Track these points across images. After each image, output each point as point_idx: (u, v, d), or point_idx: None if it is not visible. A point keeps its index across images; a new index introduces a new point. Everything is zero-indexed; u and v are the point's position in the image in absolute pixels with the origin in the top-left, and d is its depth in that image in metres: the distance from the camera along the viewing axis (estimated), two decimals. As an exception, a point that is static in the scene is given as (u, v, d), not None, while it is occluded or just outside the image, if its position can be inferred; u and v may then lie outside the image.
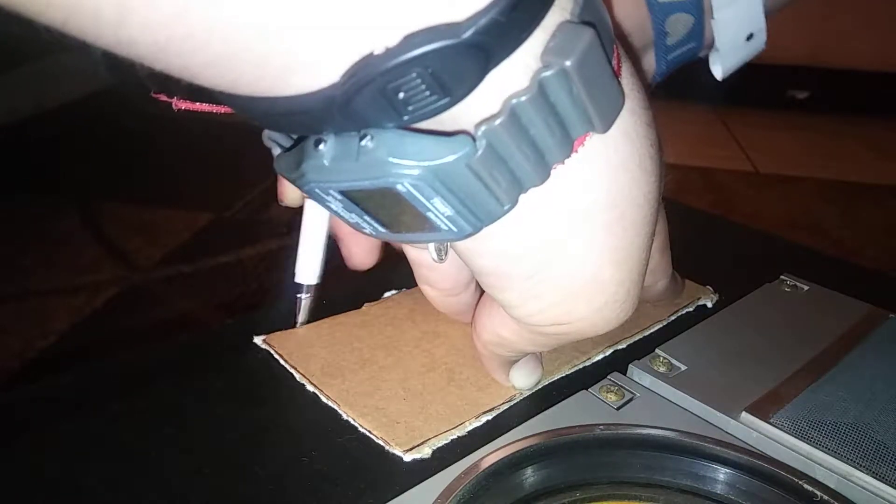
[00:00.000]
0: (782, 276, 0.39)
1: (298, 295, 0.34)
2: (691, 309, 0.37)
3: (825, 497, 0.24)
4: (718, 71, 0.28)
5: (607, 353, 0.34)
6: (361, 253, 0.32)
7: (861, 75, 2.02)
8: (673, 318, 0.36)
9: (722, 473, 0.26)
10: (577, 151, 0.20)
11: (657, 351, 0.32)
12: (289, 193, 0.33)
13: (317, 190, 0.20)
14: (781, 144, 1.99)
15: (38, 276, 1.36)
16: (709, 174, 1.78)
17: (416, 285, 0.31)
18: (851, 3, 1.95)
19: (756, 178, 1.80)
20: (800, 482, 0.25)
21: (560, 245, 0.21)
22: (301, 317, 0.34)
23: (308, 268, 0.34)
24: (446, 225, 0.20)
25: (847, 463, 0.25)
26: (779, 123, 2.09)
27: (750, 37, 0.28)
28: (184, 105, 0.25)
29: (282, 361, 0.33)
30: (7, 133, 1.62)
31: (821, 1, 1.94)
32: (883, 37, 1.94)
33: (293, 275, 0.34)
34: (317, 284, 0.34)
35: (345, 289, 0.38)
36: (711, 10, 0.27)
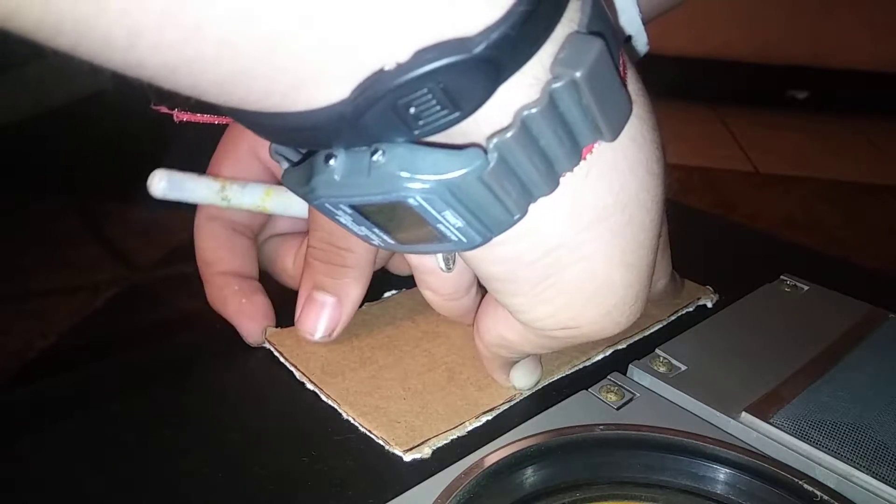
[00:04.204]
0: (782, 276, 0.39)
1: None
2: (691, 309, 0.37)
3: (825, 497, 0.24)
4: None
5: (607, 353, 0.34)
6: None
7: (861, 75, 2.02)
8: (673, 318, 0.36)
9: (722, 473, 0.26)
10: (585, 159, 0.20)
11: (657, 351, 0.32)
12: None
13: (327, 205, 0.20)
14: (781, 144, 1.99)
15: (38, 276, 1.36)
16: (709, 174, 1.79)
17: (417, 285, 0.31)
18: (851, 2, 1.95)
19: (756, 178, 1.81)
20: (800, 482, 0.25)
21: (570, 251, 0.21)
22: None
23: None
24: (456, 236, 0.20)
25: (847, 463, 0.25)
26: (779, 123, 2.09)
27: (628, 39, 0.28)
28: (185, 117, 0.25)
29: (282, 359, 0.33)
30: (7, 133, 1.62)
31: (820, 1, 1.94)
32: (883, 37, 1.94)
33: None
34: None
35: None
36: None
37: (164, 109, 0.24)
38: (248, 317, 0.34)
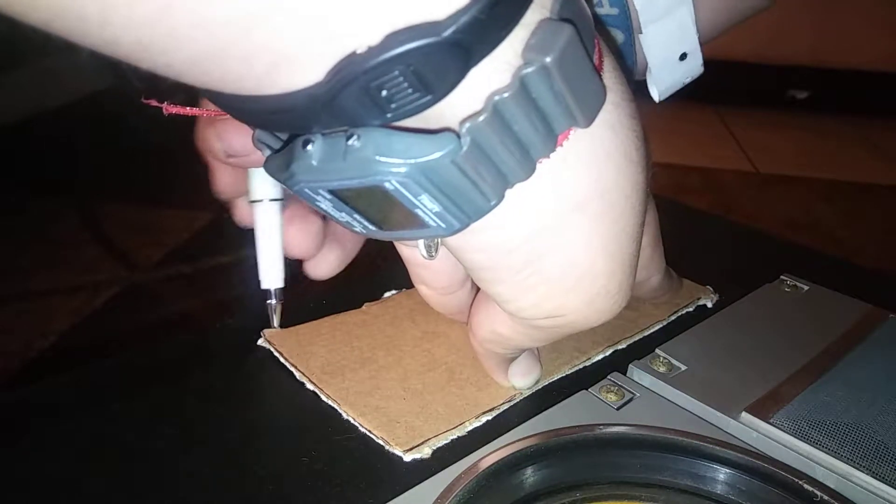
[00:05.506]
0: (782, 276, 0.39)
1: (269, 301, 0.34)
2: (691, 309, 0.37)
3: (825, 497, 0.24)
4: (655, 93, 0.28)
5: (607, 353, 0.34)
6: (303, 241, 0.32)
7: (861, 75, 2.02)
8: (673, 318, 0.36)
9: (722, 473, 0.26)
10: (561, 145, 0.20)
11: (657, 351, 0.32)
12: (242, 215, 0.33)
13: (306, 190, 0.20)
14: (781, 144, 1.99)
15: (38, 276, 1.36)
16: (709, 174, 1.78)
17: (416, 285, 0.31)
18: (852, 2, 1.95)
19: (756, 178, 1.80)
20: (800, 482, 0.25)
21: (550, 238, 0.22)
22: (275, 321, 0.35)
23: (271, 272, 0.34)
24: (435, 221, 0.20)
25: (847, 463, 0.25)
26: (779, 123, 2.09)
27: (683, 56, 0.28)
28: (174, 109, 0.25)
29: (282, 359, 0.33)
30: (7, 133, 1.62)
31: (821, 1, 1.94)
32: (883, 37, 1.94)
33: (258, 283, 0.34)
34: (283, 288, 0.34)
35: (345, 289, 0.38)
36: (640, 27, 0.27)
37: (154, 103, 0.24)
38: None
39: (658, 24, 0.27)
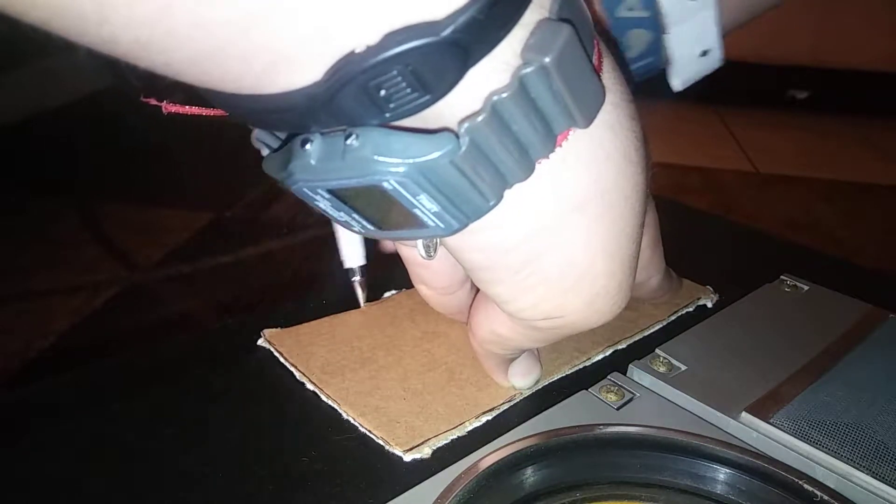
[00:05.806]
0: (782, 276, 0.39)
1: (353, 279, 0.35)
2: (691, 309, 0.37)
3: (825, 497, 0.24)
4: (676, 83, 0.29)
5: (607, 353, 0.34)
6: None
7: (861, 75, 2.01)
8: (673, 318, 0.36)
9: (722, 473, 0.26)
10: (560, 146, 0.20)
11: (657, 351, 0.32)
12: None
13: (305, 189, 0.20)
14: (781, 144, 1.99)
15: (38, 276, 1.36)
16: (709, 174, 1.78)
17: (416, 285, 0.31)
18: (852, 2, 1.95)
19: (756, 178, 1.80)
20: (800, 482, 0.25)
21: (549, 238, 0.22)
22: (361, 297, 0.36)
23: (353, 253, 0.35)
24: (433, 221, 0.20)
25: (847, 463, 0.25)
26: (779, 123, 2.09)
27: (705, 52, 0.29)
28: (173, 108, 0.25)
29: (282, 359, 0.33)
30: (7, 133, 1.62)
31: (821, 1, 1.94)
32: (883, 37, 1.94)
33: (341, 263, 0.35)
34: (366, 265, 0.35)
35: (345, 289, 0.38)
36: (666, 27, 0.28)
37: (153, 101, 0.24)
38: None
39: (683, 26, 0.28)
